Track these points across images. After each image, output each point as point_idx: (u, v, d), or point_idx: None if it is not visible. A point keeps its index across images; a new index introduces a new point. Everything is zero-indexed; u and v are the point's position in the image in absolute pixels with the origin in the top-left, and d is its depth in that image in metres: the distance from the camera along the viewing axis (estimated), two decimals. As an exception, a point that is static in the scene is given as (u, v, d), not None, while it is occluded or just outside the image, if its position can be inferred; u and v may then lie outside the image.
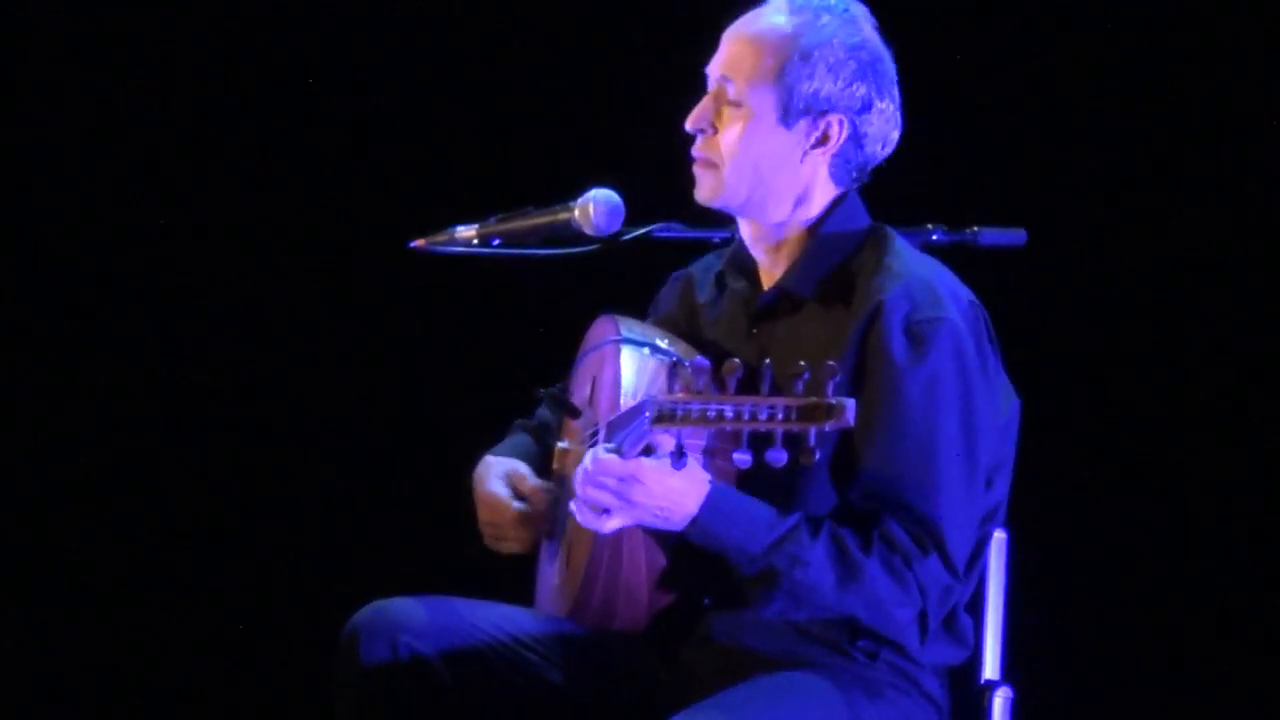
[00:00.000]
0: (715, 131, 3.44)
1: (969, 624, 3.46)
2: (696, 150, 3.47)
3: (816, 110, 3.40)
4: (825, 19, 3.42)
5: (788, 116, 3.41)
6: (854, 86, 3.41)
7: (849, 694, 3.32)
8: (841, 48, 3.40)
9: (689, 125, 3.47)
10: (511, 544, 3.62)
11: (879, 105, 3.43)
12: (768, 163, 3.42)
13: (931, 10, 4.59)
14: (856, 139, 3.43)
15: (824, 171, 3.45)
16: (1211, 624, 4.68)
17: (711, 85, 3.46)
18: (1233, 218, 4.66)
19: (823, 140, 3.42)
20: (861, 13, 3.46)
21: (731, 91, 3.42)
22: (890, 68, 3.46)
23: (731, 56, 3.44)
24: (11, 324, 5.18)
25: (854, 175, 3.46)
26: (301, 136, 5.15)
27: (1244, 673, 4.66)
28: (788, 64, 3.40)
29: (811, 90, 3.40)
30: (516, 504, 3.60)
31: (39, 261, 5.18)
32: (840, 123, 3.41)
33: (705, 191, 3.47)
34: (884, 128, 3.45)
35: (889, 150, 3.48)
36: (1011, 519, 3.53)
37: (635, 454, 3.20)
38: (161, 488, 5.22)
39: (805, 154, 3.43)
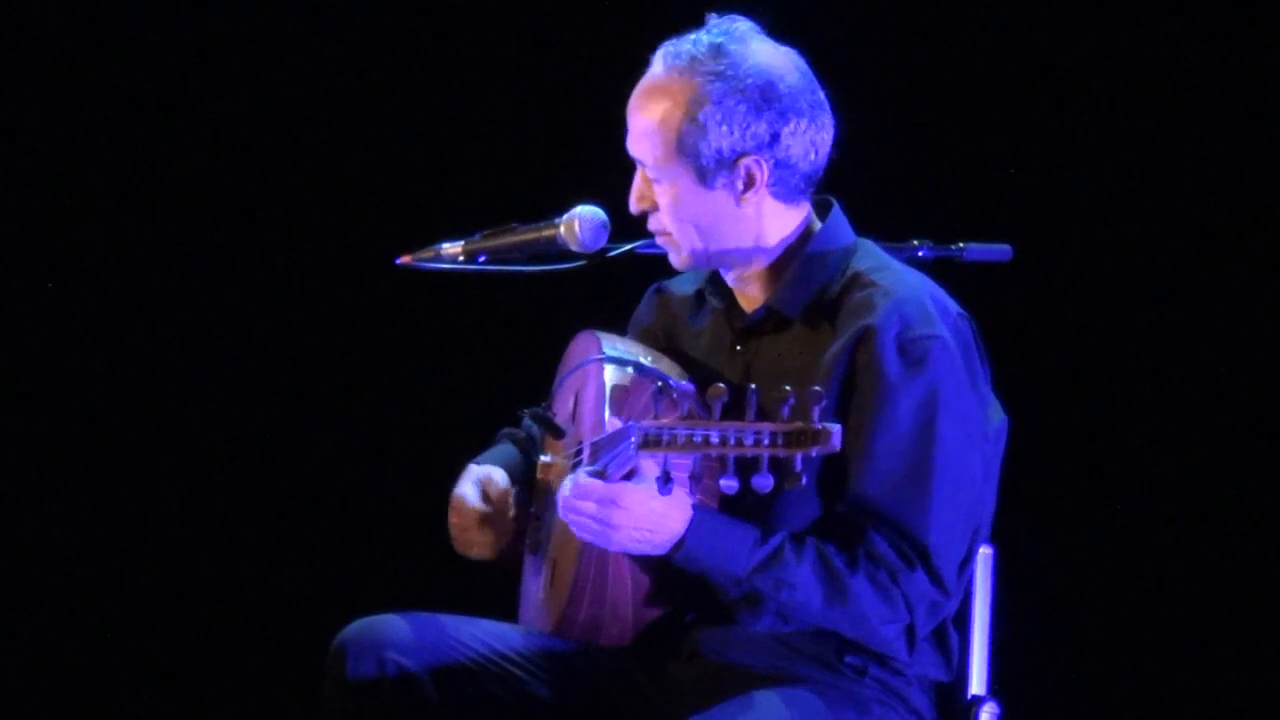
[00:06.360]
0: (657, 208, 3.44)
1: (956, 639, 3.46)
2: (651, 226, 3.48)
3: (728, 162, 3.38)
4: (699, 74, 3.36)
5: (704, 178, 3.38)
6: (752, 127, 3.36)
7: (837, 710, 3.32)
8: (726, 96, 3.35)
9: (633, 209, 3.48)
10: (478, 547, 3.61)
11: (787, 130, 3.38)
12: (709, 222, 3.41)
13: (915, 27, 4.60)
14: (783, 165, 3.39)
15: (768, 205, 3.42)
16: (1198, 640, 4.68)
17: (637, 163, 3.47)
18: (1219, 232, 4.66)
19: (749, 184, 3.39)
20: (739, 36, 3.40)
21: (649, 171, 3.43)
22: (788, 81, 3.38)
23: (633, 140, 3.43)
24: (10, 325, 5.18)
25: (801, 189, 3.44)
26: (289, 152, 5.15)
27: (1230, 688, 4.67)
28: (680, 136, 3.37)
29: (714, 149, 3.37)
30: (480, 505, 3.60)
31: (36, 263, 5.17)
32: (757, 163, 3.38)
33: (676, 262, 3.49)
34: (806, 143, 3.40)
35: (827, 153, 3.43)
36: (998, 535, 3.53)
37: (618, 478, 3.20)
38: (151, 503, 5.21)
39: (739, 201, 3.40)
